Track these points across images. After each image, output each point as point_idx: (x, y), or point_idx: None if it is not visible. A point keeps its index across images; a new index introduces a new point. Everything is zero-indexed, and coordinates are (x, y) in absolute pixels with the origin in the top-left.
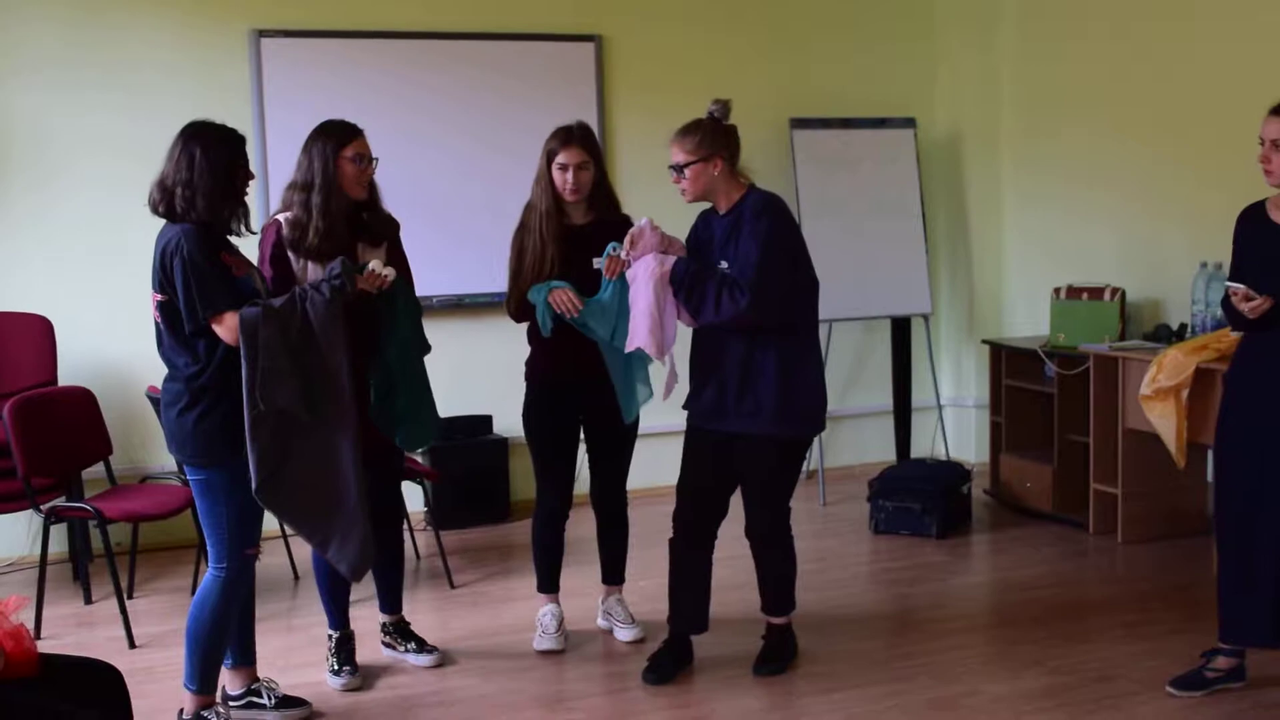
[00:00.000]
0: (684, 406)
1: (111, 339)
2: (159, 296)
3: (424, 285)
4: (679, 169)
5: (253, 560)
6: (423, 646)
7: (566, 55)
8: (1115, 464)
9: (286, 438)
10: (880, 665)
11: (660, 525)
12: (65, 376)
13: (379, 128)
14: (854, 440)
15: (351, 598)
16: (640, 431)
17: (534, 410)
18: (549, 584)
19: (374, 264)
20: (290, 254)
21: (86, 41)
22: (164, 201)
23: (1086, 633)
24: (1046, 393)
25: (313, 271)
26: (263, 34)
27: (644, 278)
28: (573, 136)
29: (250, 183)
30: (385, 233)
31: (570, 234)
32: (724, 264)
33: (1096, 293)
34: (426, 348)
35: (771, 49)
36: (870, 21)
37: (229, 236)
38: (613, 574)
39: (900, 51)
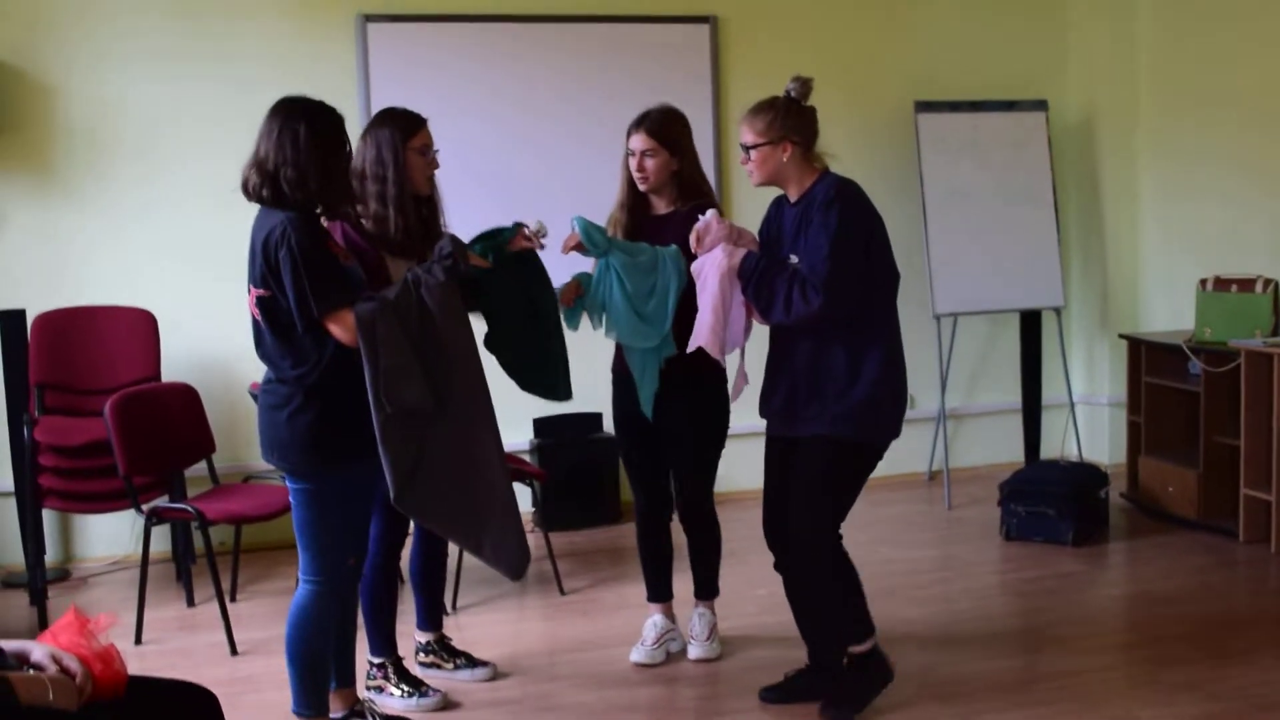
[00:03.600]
0: (760, 413)
1: (214, 333)
2: (259, 291)
3: None
4: (746, 150)
5: (356, 572)
6: (473, 661)
7: (681, 37)
8: (1269, 468)
9: (419, 437)
10: (1019, 687)
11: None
12: (168, 372)
13: (486, 114)
14: (980, 439)
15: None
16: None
17: (614, 405)
18: (654, 591)
19: (534, 222)
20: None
21: (194, 31)
22: (266, 184)
23: (1244, 652)
24: (1190, 391)
25: (391, 268)
26: (369, 19)
27: (711, 272)
28: (641, 122)
29: None
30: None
31: (650, 225)
32: (794, 258)
33: (1247, 284)
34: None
35: (895, 28)
36: None
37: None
38: (699, 587)
39: (1030, 29)
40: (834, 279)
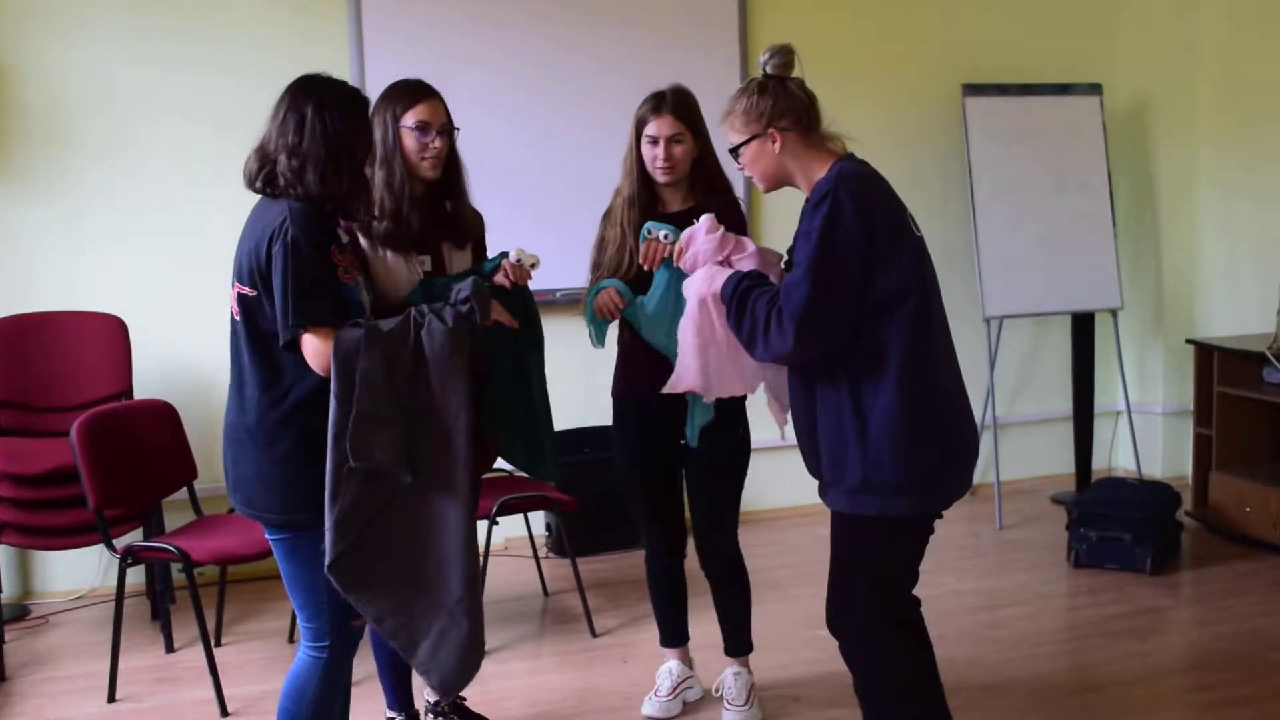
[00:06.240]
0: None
1: (192, 342)
2: (244, 289)
3: (548, 276)
4: (733, 154)
5: (359, 634)
6: None
7: (706, 6)
8: None
9: (377, 501)
10: None
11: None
12: (140, 387)
13: (496, 88)
14: (1025, 451)
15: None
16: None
17: (615, 434)
18: (671, 635)
19: (514, 251)
20: (364, 241)
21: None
22: (263, 172)
23: None
24: (1270, 402)
25: (393, 261)
26: None
27: (692, 298)
28: (664, 103)
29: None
30: (471, 230)
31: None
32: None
33: None
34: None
35: (940, 4)
36: None
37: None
38: (729, 642)
39: (1083, 6)
40: (809, 307)
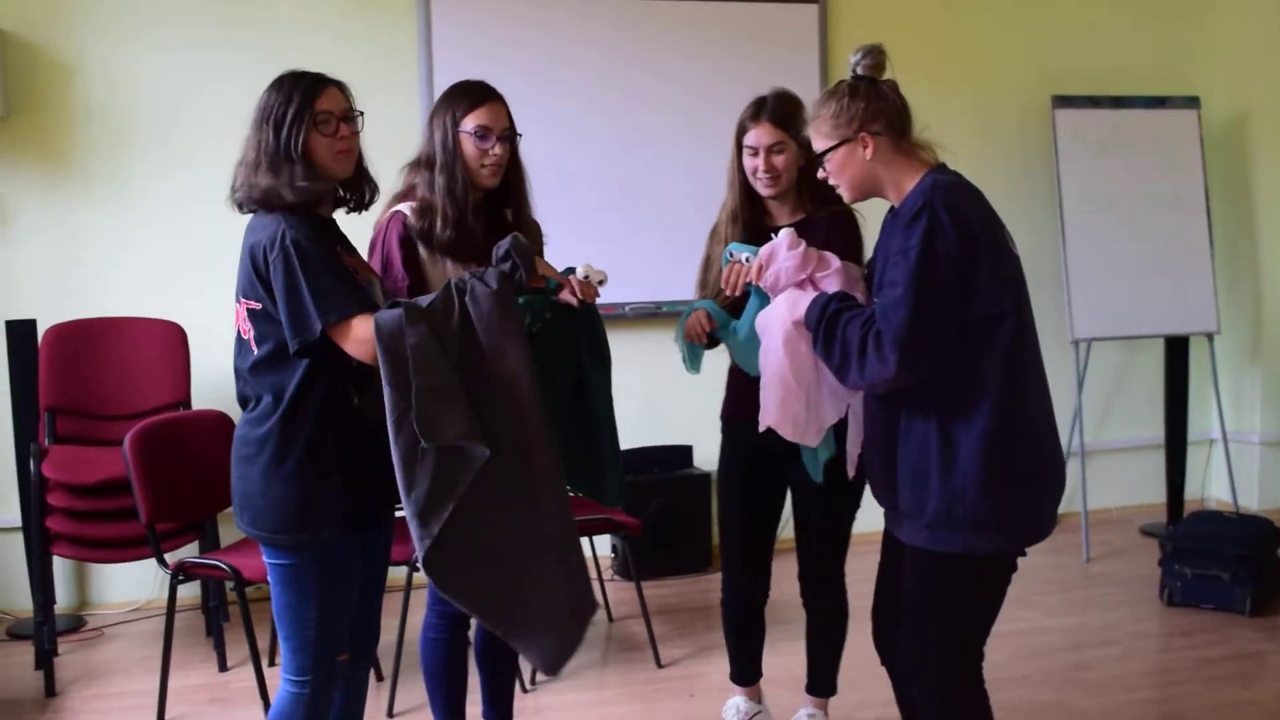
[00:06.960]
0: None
1: None
2: (250, 304)
3: (615, 291)
4: (819, 159)
5: (342, 668)
6: None
7: (786, 19)
8: None
9: (456, 482)
10: None
11: None
12: (199, 396)
13: (565, 101)
14: (1113, 478)
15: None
16: None
17: (720, 460)
18: (743, 674)
19: (582, 268)
20: (423, 250)
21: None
22: (241, 190)
23: None
24: None
25: (452, 271)
26: None
27: (776, 327)
28: (763, 109)
29: (357, 134)
30: (532, 241)
31: (768, 238)
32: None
33: None
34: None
35: (1029, 12)
36: None
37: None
38: (814, 680)
39: (1179, 15)
40: (911, 329)
